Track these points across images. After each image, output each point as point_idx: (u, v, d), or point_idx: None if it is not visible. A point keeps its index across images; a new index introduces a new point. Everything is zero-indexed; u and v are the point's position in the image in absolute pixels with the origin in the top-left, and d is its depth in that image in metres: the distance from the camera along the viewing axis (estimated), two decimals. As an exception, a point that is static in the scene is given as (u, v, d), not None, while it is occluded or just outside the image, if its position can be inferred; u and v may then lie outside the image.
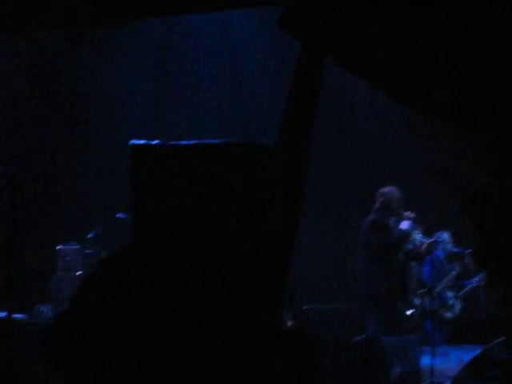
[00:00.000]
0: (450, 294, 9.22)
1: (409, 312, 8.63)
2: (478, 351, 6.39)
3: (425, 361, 7.65)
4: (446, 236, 9.24)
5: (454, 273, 9.24)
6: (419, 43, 1.75)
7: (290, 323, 8.02)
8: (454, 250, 9.26)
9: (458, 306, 9.22)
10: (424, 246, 8.51)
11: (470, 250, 9.10)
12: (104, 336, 1.72)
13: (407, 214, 8.38)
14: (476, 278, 9.25)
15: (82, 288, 1.91)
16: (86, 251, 9.21)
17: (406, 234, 8.34)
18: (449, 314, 9.15)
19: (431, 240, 8.60)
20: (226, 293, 1.76)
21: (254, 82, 11.17)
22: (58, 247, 9.22)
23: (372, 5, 1.66)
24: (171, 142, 2.33)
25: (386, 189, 8.40)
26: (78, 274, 8.98)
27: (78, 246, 9.26)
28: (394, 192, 8.36)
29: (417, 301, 8.80)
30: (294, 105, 1.93)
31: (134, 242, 2.02)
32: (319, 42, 1.83)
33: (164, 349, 1.69)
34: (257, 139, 2.21)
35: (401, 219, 8.36)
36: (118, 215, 9.01)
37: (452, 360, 7.53)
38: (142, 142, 2.42)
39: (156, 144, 2.37)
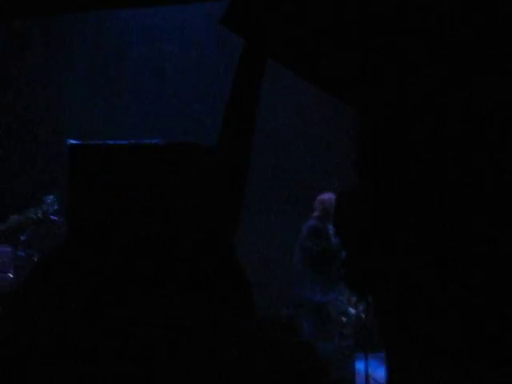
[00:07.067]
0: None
1: (344, 319, 8.61)
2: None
3: (359, 367, 7.72)
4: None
5: None
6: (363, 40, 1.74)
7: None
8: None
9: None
10: None
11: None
12: (45, 340, 1.67)
13: None
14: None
15: (16, 295, 1.84)
16: (19, 253, 9.04)
17: None
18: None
19: None
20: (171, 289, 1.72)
21: (190, 84, 11.10)
22: (-12, 249, 9.03)
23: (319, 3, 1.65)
24: (109, 142, 2.28)
25: (326, 196, 8.32)
26: (9, 276, 8.81)
27: (9, 249, 9.08)
28: (334, 199, 8.25)
29: (351, 310, 8.70)
30: (235, 105, 1.91)
31: (66, 242, 1.97)
32: (262, 39, 1.81)
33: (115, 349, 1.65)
34: (197, 141, 2.18)
35: None
36: (51, 217, 8.86)
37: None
38: (78, 141, 2.35)
39: (93, 144, 2.31)
